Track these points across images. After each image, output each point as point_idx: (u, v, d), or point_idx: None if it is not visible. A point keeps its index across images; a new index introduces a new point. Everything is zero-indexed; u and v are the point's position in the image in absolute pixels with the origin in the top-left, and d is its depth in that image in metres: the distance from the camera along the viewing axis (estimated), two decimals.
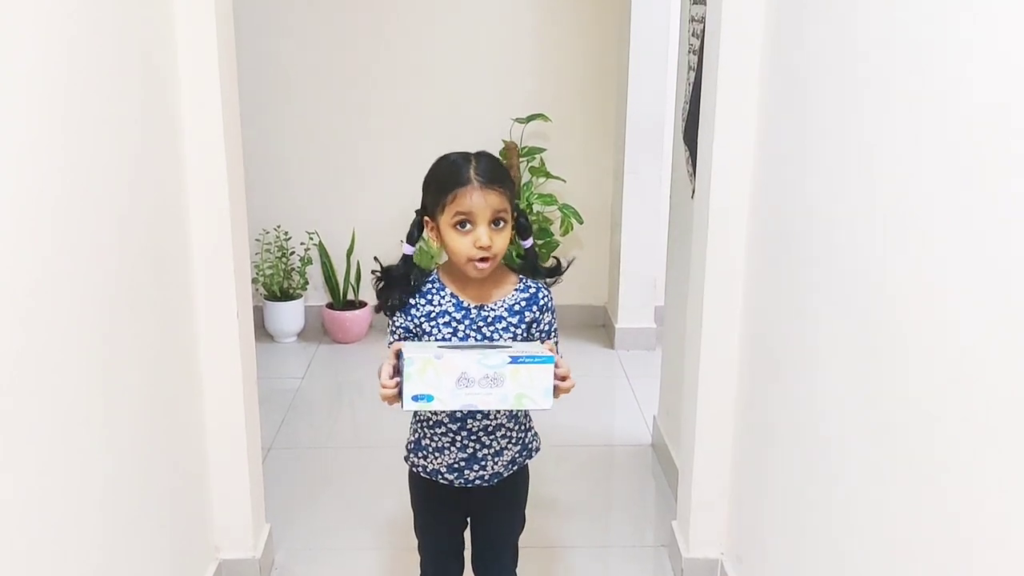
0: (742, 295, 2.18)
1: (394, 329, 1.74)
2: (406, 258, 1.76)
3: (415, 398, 1.55)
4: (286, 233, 4.36)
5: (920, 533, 1.32)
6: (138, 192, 1.85)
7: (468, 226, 1.64)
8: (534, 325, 1.75)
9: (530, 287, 1.77)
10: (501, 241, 1.66)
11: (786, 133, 1.91)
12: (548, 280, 1.82)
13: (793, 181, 1.86)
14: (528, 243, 1.82)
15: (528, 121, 4.17)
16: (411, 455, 1.85)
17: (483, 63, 4.34)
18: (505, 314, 1.72)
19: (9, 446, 1.34)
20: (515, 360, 1.56)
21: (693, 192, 2.41)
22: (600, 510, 2.90)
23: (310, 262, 4.38)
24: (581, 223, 4.20)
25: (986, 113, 1.15)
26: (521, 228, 1.78)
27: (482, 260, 1.65)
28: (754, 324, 2.13)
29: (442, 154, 1.72)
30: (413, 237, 1.76)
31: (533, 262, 1.82)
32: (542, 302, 1.77)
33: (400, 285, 1.74)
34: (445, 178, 1.67)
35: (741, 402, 2.22)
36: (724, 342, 2.23)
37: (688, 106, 2.69)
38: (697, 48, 2.55)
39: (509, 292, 1.75)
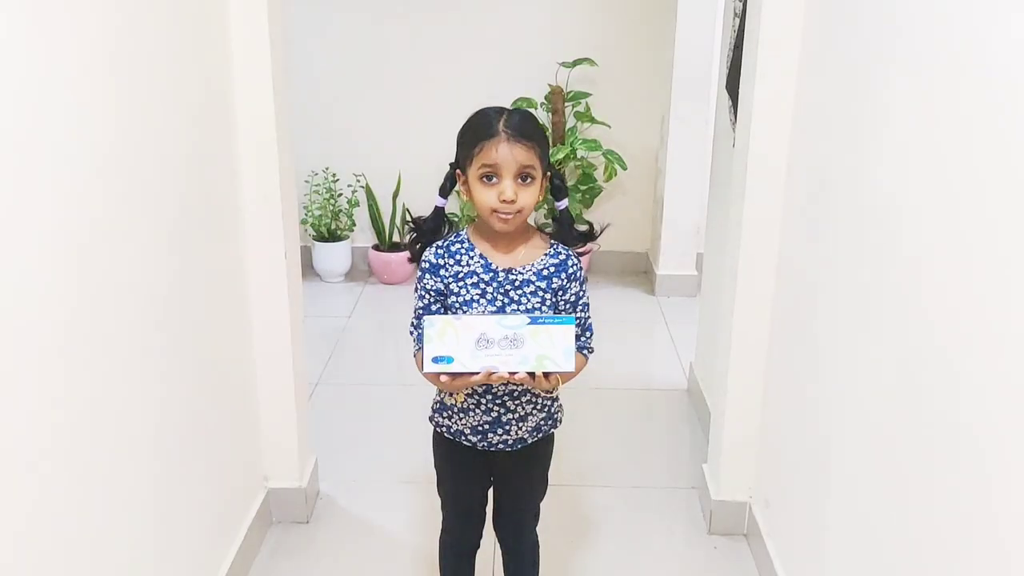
0: (778, 246, 2.20)
1: (424, 292, 1.72)
2: (438, 210, 1.76)
3: (435, 360, 1.56)
4: (334, 175, 4.43)
5: (946, 481, 1.36)
6: (190, 140, 1.92)
7: (494, 179, 1.62)
8: (560, 293, 1.72)
9: (560, 253, 1.74)
10: (527, 197, 1.64)
11: (828, 86, 1.91)
12: (580, 248, 1.80)
13: (833, 135, 1.87)
14: (563, 204, 1.79)
15: (574, 65, 4.16)
16: (435, 415, 1.85)
17: (530, 7, 4.32)
18: (533, 278, 1.71)
19: (71, 382, 1.44)
20: (535, 321, 1.57)
21: (735, 142, 2.41)
22: (635, 451, 2.98)
23: (357, 204, 4.46)
24: (625, 169, 4.21)
25: None
26: (556, 188, 1.76)
27: (505, 213, 1.64)
28: (788, 274, 2.15)
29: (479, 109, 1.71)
30: (446, 190, 1.75)
31: (567, 225, 1.79)
32: (571, 270, 1.73)
33: (431, 238, 1.75)
34: (475, 130, 1.65)
35: (773, 351, 2.26)
36: (759, 291, 2.26)
37: (731, 54, 2.67)
38: None
39: (539, 256, 1.72)
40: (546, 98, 4.24)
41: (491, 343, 1.56)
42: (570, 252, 1.76)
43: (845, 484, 1.76)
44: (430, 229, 1.76)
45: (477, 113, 1.70)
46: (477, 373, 1.58)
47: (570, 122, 4.27)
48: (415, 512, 2.58)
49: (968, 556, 1.27)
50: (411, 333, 1.75)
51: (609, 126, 4.28)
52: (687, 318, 3.80)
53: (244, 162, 2.20)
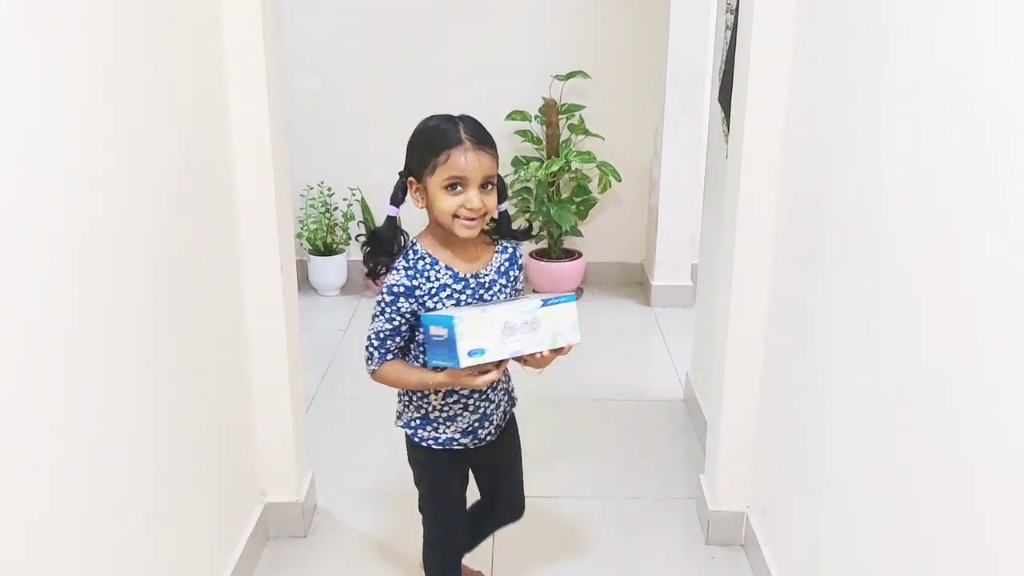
0: (772, 256, 2.21)
1: (394, 315, 1.71)
2: (391, 220, 1.75)
3: (471, 353, 1.60)
4: (329, 189, 4.44)
5: (943, 491, 1.36)
6: (185, 152, 1.93)
7: (459, 188, 1.64)
8: (514, 282, 1.82)
9: (507, 248, 1.82)
10: (490, 202, 1.68)
11: (820, 97, 1.92)
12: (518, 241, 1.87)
13: (826, 145, 1.88)
14: (503, 207, 1.82)
15: (568, 78, 4.18)
16: (418, 431, 1.86)
17: (523, 20, 4.35)
18: (496, 277, 1.77)
19: (66, 397, 1.44)
20: (546, 303, 1.65)
21: (728, 153, 2.43)
22: (631, 462, 2.98)
23: (352, 217, 4.47)
24: (619, 180, 4.22)
25: None
26: (500, 192, 1.77)
27: (469, 219, 1.66)
28: (783, 285, 2.16)
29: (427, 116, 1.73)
30: (398, 199, 1.75)
31: (506, 225, 1.84)
32: (519, 259, 1.84)
33: (387, 249, 1.74)
34: (436, 138, 1.66)
35: (769, 361, 2.26)
36: (754, 302, 2.27)
37: (724, 66, 2.69)
38: (734, 7, 2.55)
39: (492, 255, 1.78)
40: (540, 111, 4.25)
41: (515, 329, 1.63)
42: (511, 242, 1.84)
43: (842, 493, 1.76)
44: (389, 238, 1.75)
45: (431, 120, 1.71)
46: (500, 362, 1.65)
47: (564, 134, 4.28)
48: (413, 526, 2.57)
49: (966, 567, 1.27)
50: (371, 354, 1.75)
51: (603, 138, 4.29)
52: (683, 328, 3.81)
53: (239, 177, 2.20)
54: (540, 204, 4.24)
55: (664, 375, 3.64)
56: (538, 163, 4.17)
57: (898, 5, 1.51)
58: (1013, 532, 1.14)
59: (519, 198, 4.30)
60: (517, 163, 4.21)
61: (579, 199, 4.31)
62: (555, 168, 4.12)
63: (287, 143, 2.35)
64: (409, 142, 1.72)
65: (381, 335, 1.74)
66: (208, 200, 2.07)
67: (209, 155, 2.07)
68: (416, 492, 2.00)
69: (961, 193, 1.27)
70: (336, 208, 4.48)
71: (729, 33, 2.62)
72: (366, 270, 1.78)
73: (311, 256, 4.45)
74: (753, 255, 2.24)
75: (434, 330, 1.64)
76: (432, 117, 1.72)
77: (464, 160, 1.63)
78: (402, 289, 1.70)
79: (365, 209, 4.46)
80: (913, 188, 1.43)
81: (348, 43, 4.37)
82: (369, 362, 1.77)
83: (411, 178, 1.71)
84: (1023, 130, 1.11)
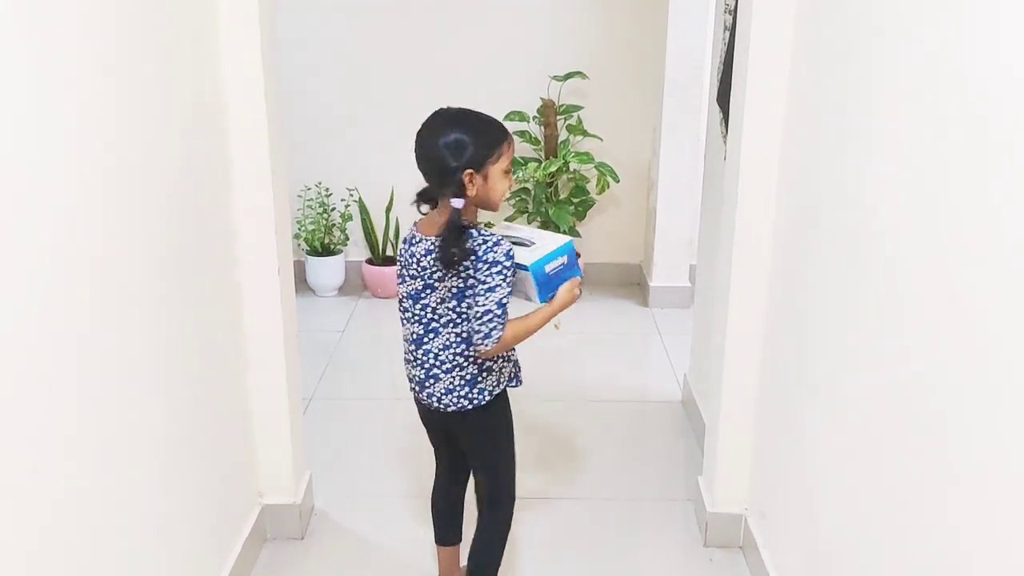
0: (770, 257, 2.21)
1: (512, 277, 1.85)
2: (457, 211, 1.82)
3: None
4: (327, 190, 4.44)
5: (942, 491, 1.36)
6: (183, 154, 1.92)
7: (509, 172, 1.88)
8: None
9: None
10: None
11: (818, 98, 1.92)
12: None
13: (824, 147, 1.88)
14: None
15: (566, 79, 4.18)
16: (492, 391, 1.95)
17: (522, 20, 4.34)
18: None
19: (63, 401, 1.43)
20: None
21: (726, 154, 2.43)
22: (630, 464, 2.97)
23: (350, 218, 4.46)
24: (617, 181, 4.22)
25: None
26: None
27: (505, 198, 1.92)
28: (781, 285, 2.16)
29: (436, 111, 1.86)
30: (459, 193, 1.82)
31: None
32: None
33: (465, 239, 1.83)
34: (496, 129, 1.85)
35: (767, 362, 2.26)
36: (752, 303, 2.26)
37: (722, 68, 2.69)
38: (732, 8, 2.54)
39: None
40: (538, 111, 4.25)
41: (565, 266, 1.94)
42: None
43: (840, 496, 1.76)
44: (466, 228, 1.84)
45: (468, 114, 1.86)
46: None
47: (562, 135, 4.28)
48: (411, 527, 2.57)
49: (965, 569, 1.27)
50: (497, 323, 1.82)
51: (601, 139, 4.29)
52: (681, 329, 3.81)
53: (237, 179, 2.20)
54: (538, 205, 4.24)
55: (662, 376, 3.64)
56: (536, 164, 4.16)
57: (897, 7, 1.51)
58: (1011, 535, 1.14)
59: (517, 199, 4.30)
60: (515, 164, 4.19)
61: (577, 200, 4.30)
62: (553, 169, 4.12)
63: (285, 144, 2.34)
64: (466, 136, 1.80)
65: (503, 302, 1.83)
66: (206, 202, 2.06)
67: (207, 156, 2.07)
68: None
69: (965, 196, 1.27)
70: (334, 209, 4.47)
71: (727, 34, 2.61)
72: (454, 257, 1.82)
73: (308, 257, 4.45)
74: (751, 256, 2.23)
75: (553, 264, 1.90)
76: (469, 110, 1.86)
77: (513, 147, 1.88)
78: (511, 263, 1.84)
79: (363, 210, 4.45)
80: (913, 190, 1.43)
81: (346, 43, 4.37)
82: (495, 332, 1.82)
83: (470, 170, 1.81)
84: (1021, 129, 1.11)
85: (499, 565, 2.11)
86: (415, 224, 1.94)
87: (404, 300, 1.94)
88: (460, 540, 2.24)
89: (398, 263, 1.96)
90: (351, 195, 4.46)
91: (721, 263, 2.39)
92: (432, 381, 1.93)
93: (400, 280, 1.95)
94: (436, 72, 4.37)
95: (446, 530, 2.22)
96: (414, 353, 1.95)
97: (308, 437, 2.69)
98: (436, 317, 1.89)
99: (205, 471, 2.08)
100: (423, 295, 1.89)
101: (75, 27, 1.44)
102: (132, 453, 1.67)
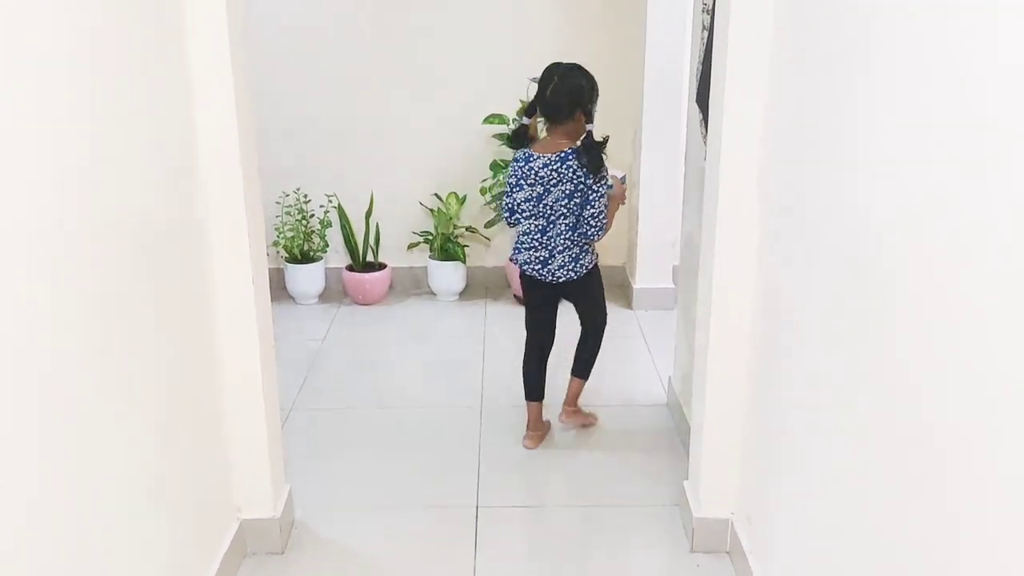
0: (754, 257, 2.18)
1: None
2: (591, 132, 2.72)
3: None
4: (305, 196, 4.39)
5: (930, 498, 1.34)
6: (152, 163, 1.88)
7: None
8: None
9: None
10: None
11: (798, 98, 1.89)
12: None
13: (805, 146, 1.86)
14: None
15: None
16: (589, 261, 2.84)
17: (499, 23, 4.31)
18: None
19: (38, 412, 1.39)
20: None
21: (706, 154, 2.40)
22: (615, 468, 2.94)
23: (329, 224, 4.42)
24: None
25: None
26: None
27: None
28: (765, 287, 2.13)
29: (552, 63, 2.75)
30: (589, 120, 2.74)
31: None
32: None
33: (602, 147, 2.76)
34: (595, 82, 2.74)
35: (752, 365, 2.24)
36: (736, 304, 2.24)
37: (701, 68, 2.66)
38: (710, 7, 2.52)
39: None
40: (517, 113, 4.21)
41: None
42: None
43: (827, 501, 1.73)
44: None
45: (575, 67, 2.74)
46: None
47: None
48: (392, 538, 2.53)
49: (955, 569, 1.24)
50: (605, 223, 2.77)
51: None
52: (665, 331, 3.78)
53: (208, 188, 2.15)
54: None
55: (647, 379, 3.61)
56: None
57: (880, 4, 1.48)
58: (1000, 541, 1.11)
59: (498, 201, 4.26)
60: (495, 167, 4.17)
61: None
62: None
63: (255, 152, 2.29)
64: (587, 84, 2.72)
65: (607, 204, 2.75)
66: (176, 211, 2.02)
67: (177, 167, 2.02)
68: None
69: (948, 192, 1.24)
70: (313, 215, 4.42)
71: (706, 34, 2.59)
72: (600, 163, 2.71)
73: (287, 264, 4.39)
74: (735, 257, 2.21)
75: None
76: (574, 64, 2.75)
77: None
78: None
79: (342, 216, 4.40)
80: (897, 187, 1.40)
81: (324, 49, 4.32)
82: (606, 223, 2.76)
83: (580, 109, 2.71)
84: (1010, 127, 1.08)
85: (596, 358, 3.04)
86: (530, 146, 2.77)
87: (524, 203, 2.75)
88: (544, 396, 3.01)
89: (511, 176, 2.79)
90: (330, 201, 4.42)
91: (704, 263, 2.36)
92: (552, 259, 2.78)
93: (518, 188, 2.75)
94: (413, 77, 4.33)
95: (536, 389, 2.99)
96: (539, 240, 2.76)
97: (288, 448, 2.65)
98: (553, 213, 2.71)
99: (180, 487, 2.03)
100: (544, 197, 2.70)
101: (44, 35, 1.39)
102: (104, 470, 1.63)
